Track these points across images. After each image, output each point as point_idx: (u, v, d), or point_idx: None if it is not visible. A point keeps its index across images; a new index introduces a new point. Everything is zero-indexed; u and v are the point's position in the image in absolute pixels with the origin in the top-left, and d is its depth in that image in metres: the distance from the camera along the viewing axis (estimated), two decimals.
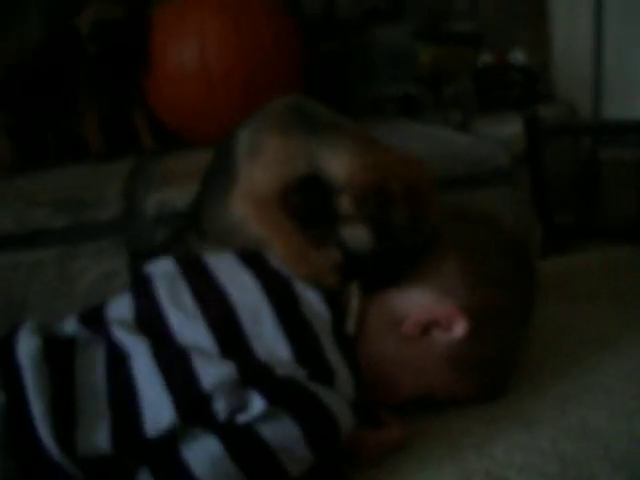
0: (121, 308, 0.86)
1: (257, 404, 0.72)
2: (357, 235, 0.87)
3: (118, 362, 0.78)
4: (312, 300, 0.84)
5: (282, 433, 0.73)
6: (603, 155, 1.62)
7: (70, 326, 0.85)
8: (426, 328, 0.88)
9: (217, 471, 0.71)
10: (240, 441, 0.72)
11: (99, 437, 0.72)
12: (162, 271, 0.91)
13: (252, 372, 0.75)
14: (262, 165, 0.90)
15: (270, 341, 0.78)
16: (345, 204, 0.87)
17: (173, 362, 0.76)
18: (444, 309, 0.87)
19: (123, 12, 1.51)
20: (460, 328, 0.87)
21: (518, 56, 1.68)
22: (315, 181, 0.87)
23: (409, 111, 1.71)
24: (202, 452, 0.71)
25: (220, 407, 0.73)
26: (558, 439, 0.86)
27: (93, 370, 0.77)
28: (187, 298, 0.84)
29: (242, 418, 0.73)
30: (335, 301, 0.86)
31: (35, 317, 0.97)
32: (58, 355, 0.79)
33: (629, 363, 1.02)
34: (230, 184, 0.93)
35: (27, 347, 0.78)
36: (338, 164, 0.87)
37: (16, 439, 0.71)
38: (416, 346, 0.88)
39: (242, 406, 0.73)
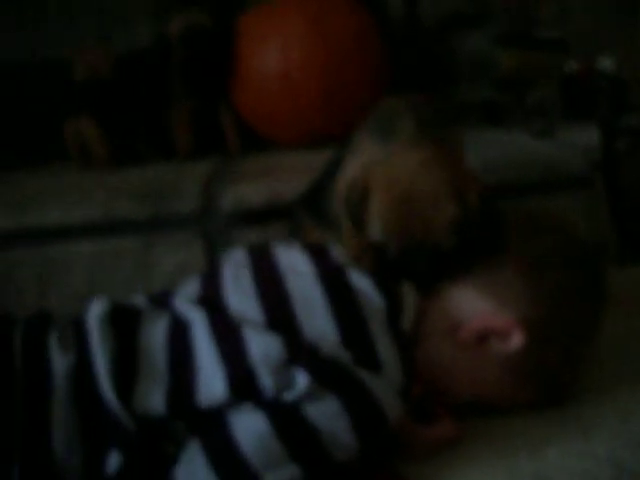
0: (188, 288, 0.92)
1: (302, 381, 0.75)
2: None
3: (179, 330, 0.83)
4: (367, 290, 0.86)
5: (326, 413, 0.75)
6: None
7: (139, 300, 0.90)
8: (482, 337, 0.88)
9: (263, 447, 0.73)
10: (286, 419, 0.75)
11: (155, 398, 0.77)
12: (233, 258, 0.96)
13: (298, 349, 0.78)
14: (352, 161, 0.98)
15: (320, 324, 0.81)
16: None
17: (226, 333, 0.80)
18: (502, 320, 0.86)
19: (210, 20, 1.58)
20: (517, 341, 0.86)
21: (606, 63, 1.64)
22: None
23: (492, 118, 1.70)
24: (250, 428, 0.74)
25: (267, 383, 0.76)
26: (615, 447, 0.84)
27: (156, 336, 0.82)
28: (247, 281, 0.88)
29: (288, 396, 0.75)
30: (391, 295, 0.87)
31: None
32: (124, 320, 0.84)
33: None
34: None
35: (96, 311, 0.84)
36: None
37: (80, 394, 0.77)
38: (471, 354, 0.88)
39: (288, 383, 0.75)
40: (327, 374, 0.76)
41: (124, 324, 0.84)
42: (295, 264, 0.90)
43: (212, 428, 0.76)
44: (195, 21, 1.57)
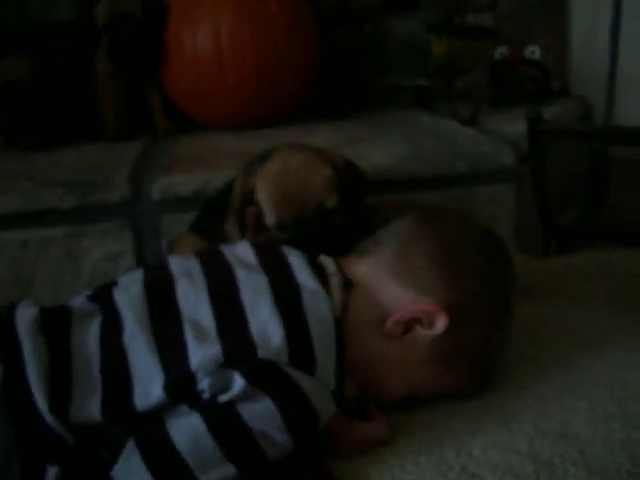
0: (132, 277, 0.90)
1: (237, 384, 0.75)
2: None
3: (112, 332, 0.81)
4: (312, 286, 0.86)
5: (260, 413, 0.76)
6: (615, 153, 1.61)
7: (77, 300, 0.88)
8: (407, 327, 0.89)
9: (198, 446, 0.74)
10: (220, 419, 0.75)
11: (91, 406, 0.76)
12: (180, 256, 0.96)
13: (236, 354, 0.78)
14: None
15: (265, 319, 0.81)
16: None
17: (168, 340, 0.80)
18: (424, 306, 0.88)
19: (138, 5, 1.56)
20: (442, 324, 0.88)
21: (534, 51, 1.67)
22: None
23: (421, 102, 1.71)
24: (185, 428, 0.75)
25: (204, 386, 0.76)
26: (535, 440, 0.88)
27: (88, 340, 0.81)
28: (198, 272, 0.88)
29: (224, 397, 0.76)
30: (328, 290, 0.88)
31: (41, 294, 1.01)
32: (55, 325, 0.82)
33: (617, 368, 1.00)
34: None
35: (24, 317, 0.82)
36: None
37: (13, 406, 0.75)
38: (399, 344, 0.90)
39: (224, 386, 0.76)
40: (261, 377, 0.77)
41: (55, 329, 0.82)
42: (244, 258, 0.91)
43: (149, 429, 0.76)
44: (120, 9, 1.55)
